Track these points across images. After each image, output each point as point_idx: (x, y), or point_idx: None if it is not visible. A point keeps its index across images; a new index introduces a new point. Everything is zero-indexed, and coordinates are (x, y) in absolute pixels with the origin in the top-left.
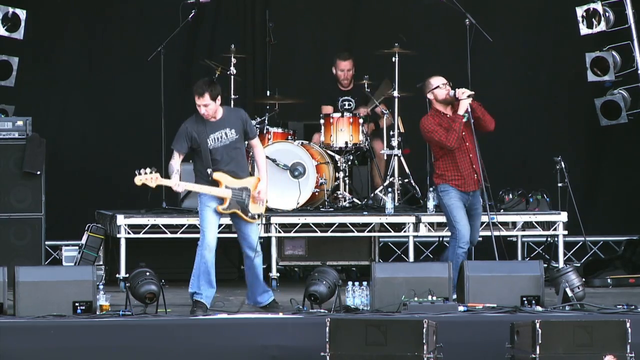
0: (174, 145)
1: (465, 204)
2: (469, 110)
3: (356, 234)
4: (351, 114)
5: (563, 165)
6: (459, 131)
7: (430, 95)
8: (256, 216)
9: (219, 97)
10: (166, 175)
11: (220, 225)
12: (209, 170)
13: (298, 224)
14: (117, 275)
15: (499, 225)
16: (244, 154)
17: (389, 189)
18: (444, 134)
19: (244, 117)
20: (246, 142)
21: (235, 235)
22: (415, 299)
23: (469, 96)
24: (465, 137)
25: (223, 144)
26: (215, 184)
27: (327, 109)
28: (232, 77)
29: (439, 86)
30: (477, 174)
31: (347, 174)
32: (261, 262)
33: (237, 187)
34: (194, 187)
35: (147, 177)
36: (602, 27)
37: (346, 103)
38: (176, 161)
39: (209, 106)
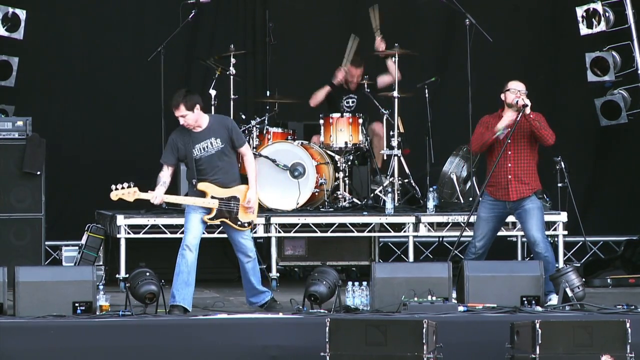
0: (162, 158)
1: (501, 214)
2: (506, 125)
3: (356, 234)
4: (351, 115)
5: (563, 165)
6: (487, 141)
7: (502, 96)
8: (246, 224)
9: (197, 106)
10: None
11: (218, 227)
12: (194, 181)
13: (298, 224)
14: (117, 276)
15: None
16: (234, 162)
17: (389, 189)
18: (477, 133)
19: (230, 125)
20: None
21: None
22: (415, 299)
23: (518, 110)
24: (509, 145)
25: (209, 153)
26: (201, 194)
27: (320, 94)
28: (232, 77)
29: (510, 89)
30: (512, 185)
31: (346, 174)
32: (254, 266)
33: (225, 197)
34: (176, 199)
35: (125, 192)
36: (602, 27)
37: (349, 100)
38: (164, 173)
39: (187, 117)
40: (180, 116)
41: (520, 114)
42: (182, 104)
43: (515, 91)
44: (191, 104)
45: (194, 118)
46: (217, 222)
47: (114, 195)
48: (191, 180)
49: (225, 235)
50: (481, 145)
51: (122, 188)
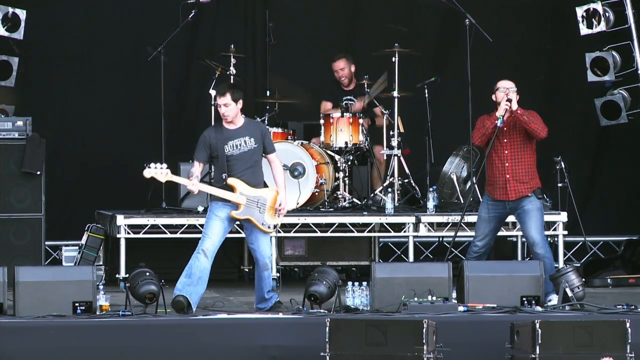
0: (194, 154)
1: (501, 214)
2: (503, 114)
3: (356, 234)
4: (351, 114)
5: (563, 165)
6: (487, 132)
7: (493, 96)
8: (271, 226)
9: (240, 102)
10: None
11: None
12: (223, 175)
13: (298, 224)
14: (117, 275)
15: None
16: (261, 166)
17: (389, 189)
18: (477, 129)
19: (264, 130)
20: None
21: (235, 235)
22: (415, 299)
23: (508, 101)
24: (505, 144)
25: (241, 151)
26: (230, 189)
27: (327, 105)
28: (232, 77)
29: (499, 88)
30: (510, 184)
31: (346, 174)
32: (268, 275)
33: (252, 195)
34: (208, 189)
35: (157, 172)
36: (602, 27)
37: (349, 103)
38: (195, 168)
39: (229, 106)
40: (223, 104)
41: (505, 101)
42: (229, 93)
43: (505, 89)
44: (237, 96)
45: (235, 111)
46: (243, 218)
47: (147, 173)
48: (220, 176)
49: (225, 236)
50: (481, 136)
51: (156, 168)
